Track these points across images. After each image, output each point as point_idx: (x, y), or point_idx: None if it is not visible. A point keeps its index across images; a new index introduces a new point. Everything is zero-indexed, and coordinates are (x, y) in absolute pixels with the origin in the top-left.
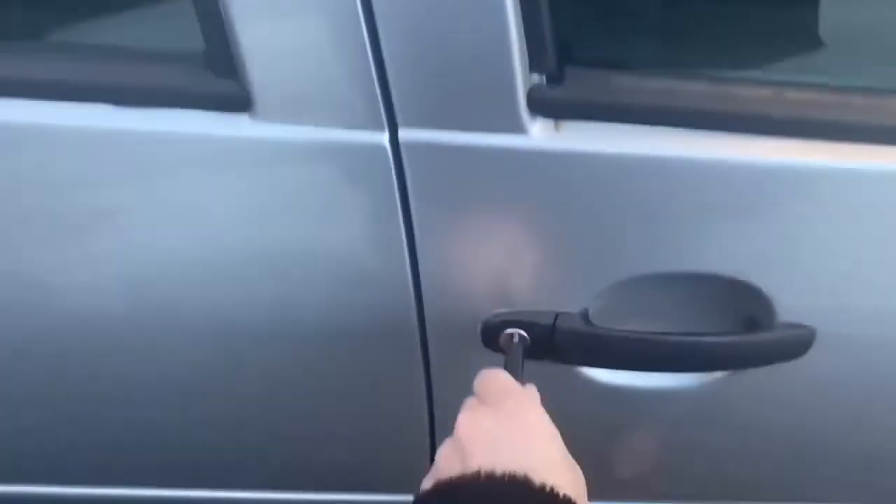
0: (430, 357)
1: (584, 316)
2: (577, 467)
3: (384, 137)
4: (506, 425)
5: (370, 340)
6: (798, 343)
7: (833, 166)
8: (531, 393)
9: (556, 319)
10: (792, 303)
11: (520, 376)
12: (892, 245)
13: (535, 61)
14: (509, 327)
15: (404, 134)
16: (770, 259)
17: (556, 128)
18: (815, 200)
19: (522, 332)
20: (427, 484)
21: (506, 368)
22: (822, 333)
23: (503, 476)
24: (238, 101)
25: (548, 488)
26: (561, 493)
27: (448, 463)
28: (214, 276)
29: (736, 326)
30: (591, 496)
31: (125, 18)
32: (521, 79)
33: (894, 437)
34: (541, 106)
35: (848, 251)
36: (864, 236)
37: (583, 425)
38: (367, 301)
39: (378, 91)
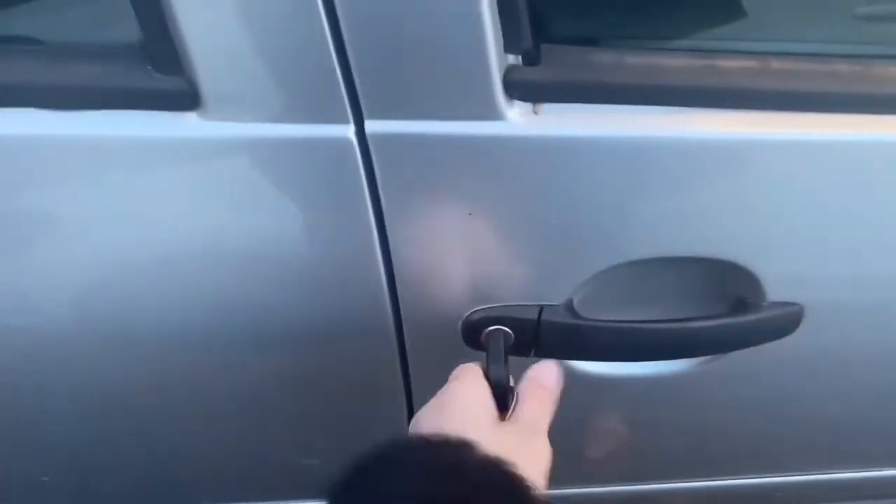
0: (408, 358)
1: (570, 307)
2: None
3: (349, 130)
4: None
5: (344, 343)
6: (787, 321)
7: (819, 138)
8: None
9: (540, 313)
10: (780, 281)
11: (505, 374)
12: (878, 215)
13: (510, 41)
14: (491, 324)
15: (371, 126)
16: (757, 238)
17: (535, 111)
18: (802, 174)
19: (506, 329)
20: None
21: (489, 366)
22: (810, 309)
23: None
24: (184, 98)
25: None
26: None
27: None
28: (175, 283)
29: (725, 308)
30: (578, 482)
31: (51, 11)
32: (496, 60)
33: (878, 404)
34: (518, 88)
35: (834, 225)
36: (851, 208)
37: (571, 414)
38: (339, 302)
39: (341, 81)
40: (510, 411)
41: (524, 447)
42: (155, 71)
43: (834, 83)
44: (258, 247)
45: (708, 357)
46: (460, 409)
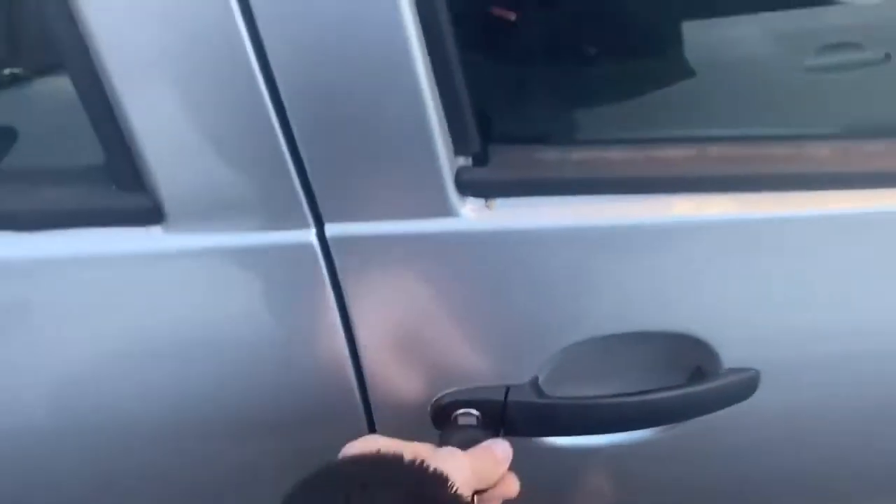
0: None
1: (535, 385)
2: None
3: (311, 234)
4: None
5: (317, 432)
6: (744, 386)
7: (757, 216)
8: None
9: (506, 394)
10: (735, 349)
11: None
12: (821, 285)
13: (458, 144)
14: (460, 407)
15: (331, 229)
16: (709, 310)
17: (488, 206)
18: (746, 250)
19: (474, 411)
20: None
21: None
22: (766, 373)
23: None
24: (149, 214)
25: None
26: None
27: None
28: (149, 380)
29: (684, 377)
30: None
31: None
32: (447, 162)
33: (832, 453)
34: (470, 187)
35: (779, 293)
36: (795, 279)
37: (541, 486)
38: (311, 394)
39: (299, 189)
40: None
41: None
42: (119, 190)
43: (767, 165)
44: (229, 346)
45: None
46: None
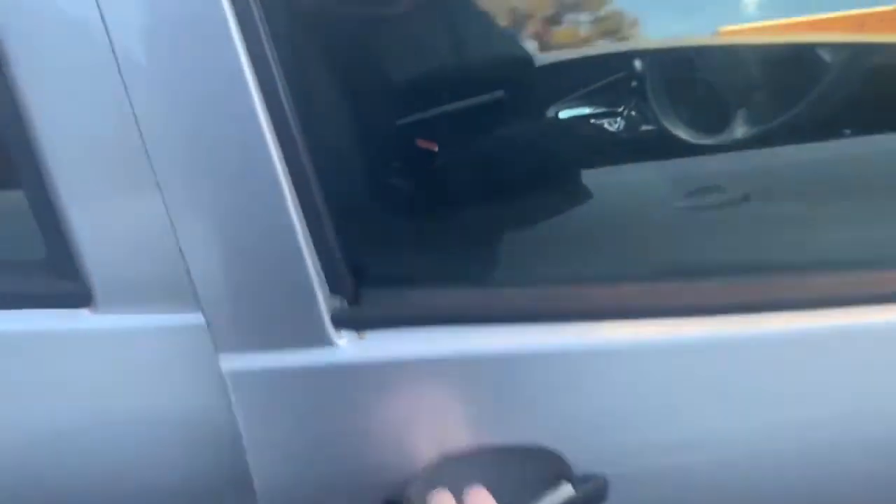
0: None
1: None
2: None
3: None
4: None
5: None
6: (595, 492)
7: (583, 346)
8: None
9: None
10: (583, 458)
11: None
12: (648, 402)
13: (333, 287)
14: None
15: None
16: (558, 425)
17: (360, 338)
18: (585, 375)
19: None
20: None
21: None
22: (612, 480)
23: None
24: (80, 298)
25: None
26: None
27: None
28: (68, 456)
29: (544, 484)
30: None
31: None
32: (324, 301)
33: None
34: (343, 322)
35: (620, 411)
36: (629, 397)
37: None
38: (212, 462)
39: None
40: None
41: None
42: (58, 278)
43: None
44: (133, 418)
45: None
46: None
